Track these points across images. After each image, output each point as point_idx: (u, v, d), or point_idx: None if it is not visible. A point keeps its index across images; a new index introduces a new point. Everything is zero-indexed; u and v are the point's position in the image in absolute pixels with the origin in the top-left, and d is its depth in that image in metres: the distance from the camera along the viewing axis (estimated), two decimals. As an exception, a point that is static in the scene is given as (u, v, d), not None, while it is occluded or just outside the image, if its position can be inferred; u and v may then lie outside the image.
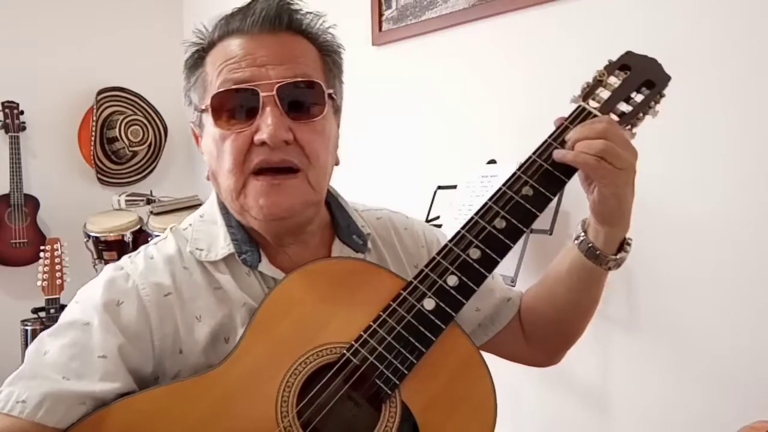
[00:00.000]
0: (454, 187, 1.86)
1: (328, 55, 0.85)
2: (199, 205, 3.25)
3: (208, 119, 0.81)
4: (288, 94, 0.78)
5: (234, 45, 0.80)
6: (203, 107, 0.82)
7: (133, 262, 0.84)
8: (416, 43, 2.15)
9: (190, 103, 0.86)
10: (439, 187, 1.95)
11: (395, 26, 2.21)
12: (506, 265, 1.61)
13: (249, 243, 0.85)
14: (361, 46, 2.35)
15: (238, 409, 0.73)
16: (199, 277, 0.83)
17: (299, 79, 0.79)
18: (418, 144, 2.19)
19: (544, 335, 0.97)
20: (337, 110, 0.87)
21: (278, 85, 0.77)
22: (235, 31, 0.81)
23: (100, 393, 0.72)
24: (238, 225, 0.86)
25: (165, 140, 3.48)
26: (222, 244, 0.85)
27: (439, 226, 1.80)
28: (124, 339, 0.76)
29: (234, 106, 0.79)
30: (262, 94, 0.77)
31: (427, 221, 1.87)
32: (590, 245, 0.85)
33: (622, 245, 0.86)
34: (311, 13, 0.83)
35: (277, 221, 0.82)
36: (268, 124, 0.76)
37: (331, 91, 0.83)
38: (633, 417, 1.56)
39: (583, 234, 0.86)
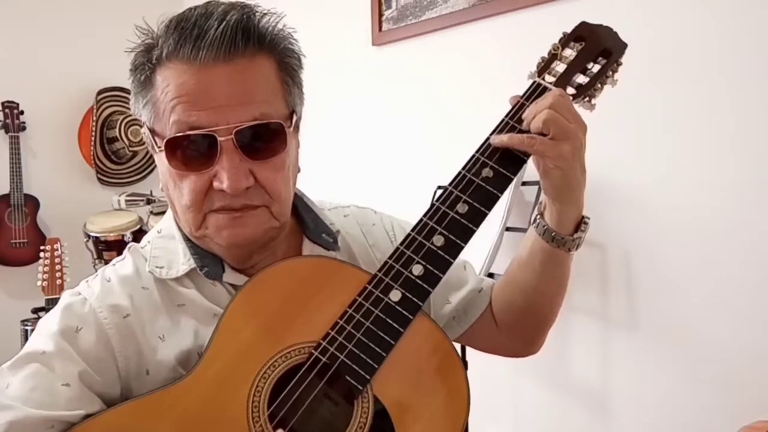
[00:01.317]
0: (454, 187, 1.86)
1: (287, 70, 0.80)
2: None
3: (161, 151, 0.77)
4: (247, 136, 0.74)
5: (185, 76, 0.74)
6: (155, 134, 0.78)
7: (89, 286, 0.82)
8: (416, 43, 2.15)
9: (139, 117, 0.82)
10: (439, 187, 1.95)
11: (395, 26, 2.21)
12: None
13: (210, 256, 0.83)
14: (361, 46, 2.35)
15: (209, 416, 0.72)
16: (160, 295, 0.81)
17: (258, 122, 0.74)
18: (417, 144, 2.19)
19: (515, 323, 0.95)
20: (297, 126, 0.83)
21: (236, 129, 0.73)
22: (185, 58, 0.74)
23: (67, 417, 0.71)
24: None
25: (165, 140, 3.48)
26: (182, 260, 0.83)
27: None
28: (86, 365, 0.75)
29: (190, 150, 0.75)
30: (220, 139, 0.73)
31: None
32: (545, 227, 0.83)
33: (579, 224, 0.84)
34: (269, 14, 0.77)
35: (238, 248, 0.80)
36: (228, 173, 0.73)
37: (291, 122, 0.79)
38: (633, 417, 1.56)
39: (539, 216, 0.85)
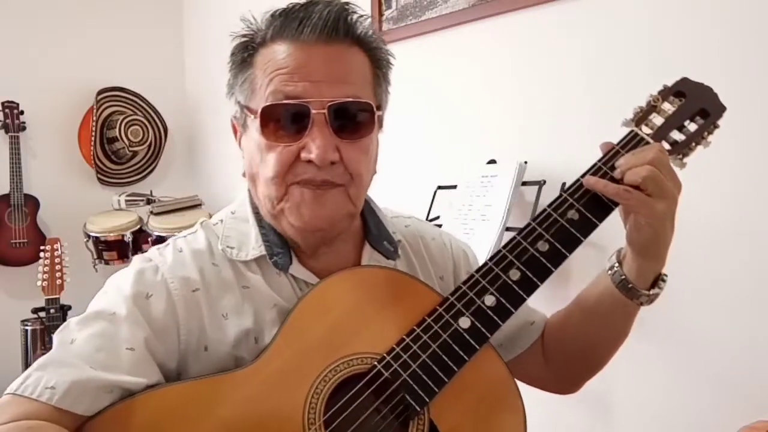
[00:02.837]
0: (454, 187, 1.86)
1: (379, 67, 0.84)
2: (200, 205, 3.26)
3: (253, 124, 0.80)
4: (339, 113, 0.77)
5: (287, 52, 0.78)
6: (250, 110, 0.80)
7: (162, 254, 0.83)
8: (416, 43, 2.15)
9: (233, 97, 0.85)
10: (439, 187, 1.95)
11: (395, 26, 2.21)
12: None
13: (280, 245, 0.84)
14: (361, 46, 2.34)
15: (264, 411, 0.72)
16: (228, 274, 0.82)
17: (351, 100, 0.77)
18: (418, 144, 2.19)
19: (565, 363, 0.95)
20: (381, 123, 0.86)
21: (330, 103, 0.76)
22: (289, 37, 0.78)
23: (128, 384, 0.72)
24: (270, 226, 0.85)
25: (165, 140, 3.48)
26: (253, 245, 0.84)
27: (439, 226, 1.80)
28: (151, 332, 0.76)
29: (283, 120, 0.77)
30: (313, 111, 0.76)
31: (427, 221, 1.87)
32: (623, 277, 0.82)
33: (657, 281, 0.83)
34: (364, 16, 0.81)
35: (313, 232, 0.81)
36: (317, 144, 0.75)
37: (380, 112, 0.83)
38: (633, 417, 1.56)
39: (617, 265, 0.84)
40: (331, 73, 0.77)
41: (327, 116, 0.76)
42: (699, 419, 1.43)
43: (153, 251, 0.85)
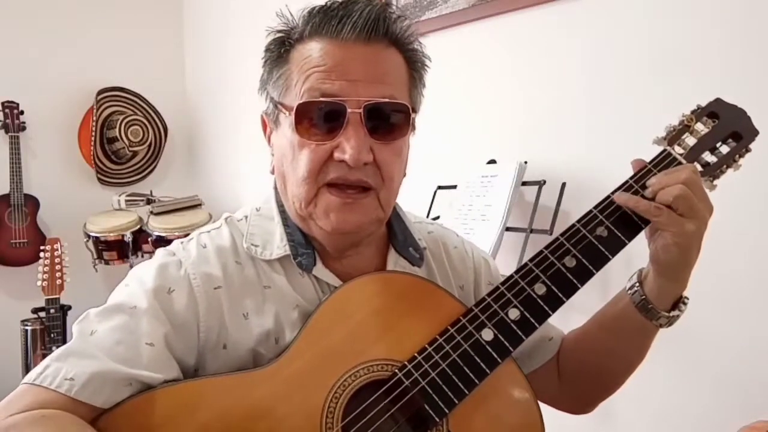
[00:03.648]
0: (454, 187, 1.86)
1: (415, 69, 0.83)
2: (200, 205, 3.25)
3: (286, 121, 0.79)
4: (374, 113, 0.76)
5: (325, 50, 0.77)
6: (284, 107, 0.79)
7: (185, 249, 0.83)
8: (416, 43, 2.15)
9: (265, 93, 0.84)
10: (439, 187, 1.95)
11: (395, 26, 2.21)
12: (505, 266, 1.62)
13: (305, 245, 0.83)
14: (361, 46, 2.34)
15: (282, 412, 0.72)
16: (251, 273, 0.81)
17: (387, 100, 0.77)
18: (418, 144, 2.18)
19: (579, 382, 0.94)
20: (414, 126, 0.85)
21: (366, 103, 0.75)
22: (328, 35, 0.77)
23: (146, 379, 0.72)
24: (295, 226, 0.85)
25: (165, 140, 3.48)
26: (278, 244, 0.83)
27: (439, 226, 1.80)
28: (171, 327, 0.75)
29: (318, 117, 0.76)
30: (348, 111, 0.75)
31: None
32: (643, 297, 0.81)
33: (678, 303, 0.82)
34: (402, 17, 0.81)
35: (341, 235, 0.81)
36: (351, 144, 0.74)
37: (414, 115, 0.82)
38: (633, 417, 1.56)
39: (637, 285, 0.83)
40: (369, 73, 0.76)
41: (362, 116, 0.75)
42: (699, 419, 1.42)
43: (176, 245, 0.84)
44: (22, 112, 3.16)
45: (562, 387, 0.95)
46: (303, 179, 0.78)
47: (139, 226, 2.93)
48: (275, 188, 0.88)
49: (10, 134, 3.11)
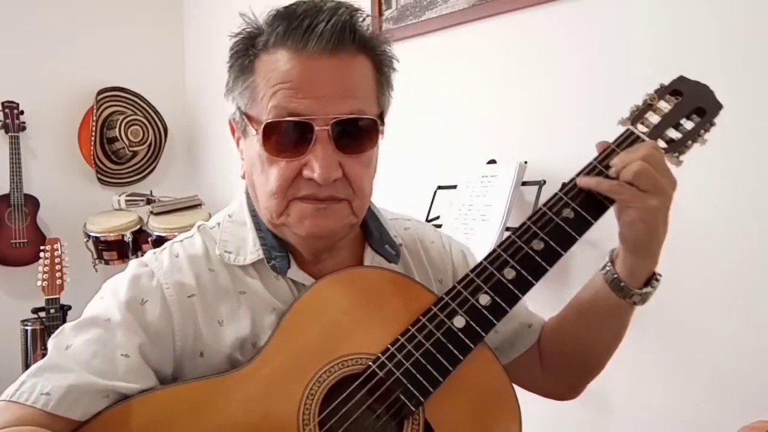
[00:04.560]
0: (454, 187, 1.86)
1: (383, 73, 0.83)
2: (200, 205, 3.25)
3: (254, 134, 0.78)
4: (342, 129, 0.76)
5: (291, 64, 0.75)
6: (250, 118, 0.79)
7: (158, 259, 0.83)
8: (416, 43, 2.15)
9: (231, 99, 0.83)
10: (439, 187, 1.95)
11: (395, 26, 2.21)
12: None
13: (279, 248, 0.83)
14: (361, 46, 2.34)
15: (259, 412, 0.72)
16: (225, 279, 0.82)
17: (355, 116, 0.76)
18: (418, 144, 2.19)
19: (562, 367, 0.95)
20: (383, 132, 0.85)
21: (333, 120, 0.75)
22: (293, 46, 0.75)
23: (123, 389, 0.72)
24: (267, 230, 0.85)
25: (165, 140, 3.48)
26: (251, 249, 0.83)
27: (439, 226, 1.80)
28: (146, 338, 0.76)
29: (286, 135, 0.76)
30: (316, 128, 0.74)
31: (427, 221, 1.87)
32: (615, 276, 0.82)
33: (650, 280, 0.83)
34: (369, 16, 0.80)
35: (315, 239, 0.81)
36: (320, 163, 0.74)
37: (383, 127, 0.82)
38: (633, 417, 1.56)
39: (609, 264, 0.84)
40: (336, 88, 0.76)
41: (330, 133, 0.75)
42: (699, 419, 1.42)
43: (149, 255, 0.84)
44: (22, 112, 3.16)
45: (545, 373, 0.96)
46: (273, 194, 0.78)
47: (139, 226, 2.93)
48: (247, 193, 0.88)
49: (10, 134, 3.11)
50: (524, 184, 1.68)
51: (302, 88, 0.75)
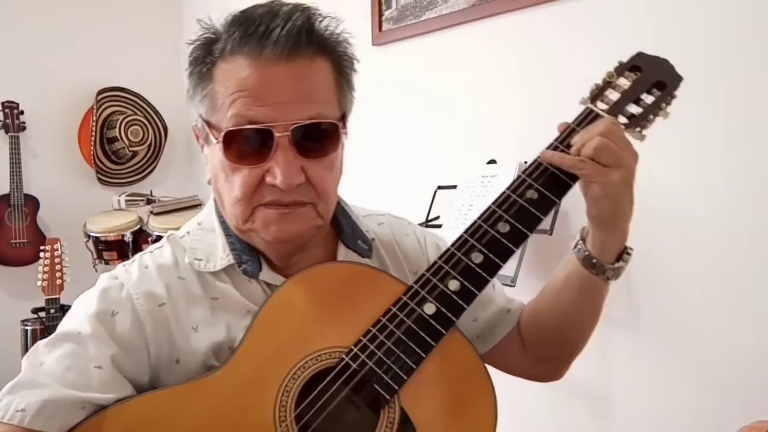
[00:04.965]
0: (454, 187, 1.86)
1: (343, 74, 0.83)
2: (200, 205, 3.26)
3: (216, 143, 0.79)
4: (302, 134, 0.76)
5: (248, 71, 0.75)
6: (211, 126, 0.79)
7: (127, 271, 0.84)
8: (416, 43, 2.15)
9: (193, 106, 0.83)
10: (439, 187, 1.95)
11: (395, 26, 2.21)
12: (507, 265, 1.62)
13: (248, 252, 0.84)
14: (361, 46, 2.33)
15: (235, 414, 0.73)
16: (196, 287, 0.82)
17: (315, 121, 0.76)
18: (418, 144, 2.19)
19: (543, 348, 0.95)
20: (345, 131, 0.85)
21: (293, 126, 0.75)
22: (250, 53, 0.75)
23: (99, 400, 0.73)
24: (236, 235, 0.85)
25: (165, 140, 3.48)
26: (221, 255, 0.84)
27: (439, 226, 1.80)
28: (119, 349, 0.76)
29: (246, 143, 0.76)
30: (276, 135, 0.75)
31: (427, 221, 1.87)
32: (587, 253, 0.83)
33: (621, 254, 0.84)
34: (328, 17, 0.79)
35: (282, 243, 0.81)
36: (281, 169, 0.75)
37: (343, 124, 0.82)
38: (633, 417, 1.56)
39: (580, 242, 0.85)
40: (295, 94, 0.75)
41: (291, 139, 0.75)
42: (699, 419, 1.42)
43: (119, 268, 0.85)
44: (22, 112, 3.16)
45: (528, 356, 0.97)
46: (237, 200, 0.78)
47: (139, 226, 2.93)
48: (215, 199, 0.88)
49: (10, 134, 3.12)
50: (524, 184, 1.68)
51: (260, 96, 0.75)
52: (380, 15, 2.26)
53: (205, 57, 0.79)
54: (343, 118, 0.83)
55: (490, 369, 0.81)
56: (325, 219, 0.83)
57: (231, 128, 0.76)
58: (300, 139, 0.76)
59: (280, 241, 0.80)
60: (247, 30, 0.75)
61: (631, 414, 1.57)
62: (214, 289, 0.82)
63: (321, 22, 0.78)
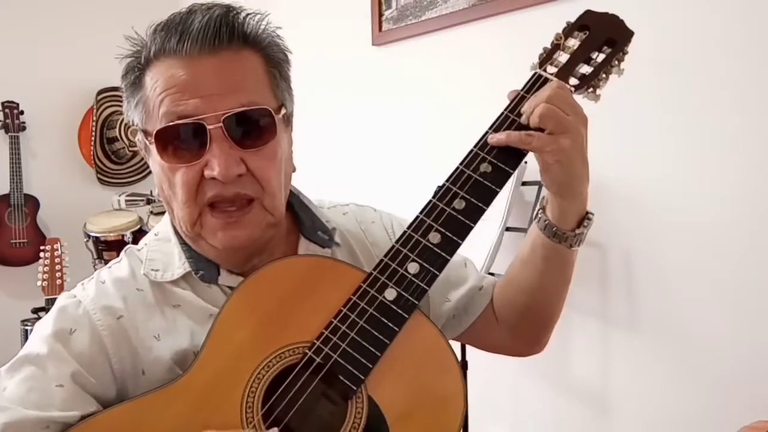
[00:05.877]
0: (454, 187, 1.86)
1: (274, 66, 0.81)
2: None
3: (153, 147, 0.78)
4: (236, 124, 0.75)
5: (173, 69, 0.75)
6: (147, 133, 0.79)
7: (85, 288, 0.83)
8: (416, 43, 2.15)
9: (132, 121, 0.83)
10: (439, 187, 1.95)
11: (395, 26, 2.21)
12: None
13: (204, 259, 0.83)
14: (361, 46, 2.35)
15: (202, 419, 0.72)
16: (154, 296, 0.82)
17: (246, 108, 0.75)
18: (418, 144, 2.19)
19: (517, 321, 0.94)
20: (288, 121, 0.84)
21: (224, 116, 0.74)
22: (172, 52, 0.75)
23: (62, 418, 0.72)
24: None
25: (165, 140, 3.48)
26: (177, 263, 0.83)
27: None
28: (78, 366, 0.76)
29: (180, 140, 0.76)
30: (209, 127, 0.74)
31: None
32: (546, 222, 0.82)
33: (583, 220, 0.82)
34: (253, 13, 0.79)
35: (235, 250, 0.81)
36: (218, 160, 0.74)
37: (280, 114, 0.80)
38: (633, 417, 1.56)
39: (540, 211, 0.84)
40: (222, 84, 0.75)
41: (224, 129, 0.74)
42: (699, 419, 1.43)
43: (78, 287, 0.84)
44: (22, 112, 3.16)
45: (505, 332, 0.96)
46: (183, 202, 0.77)
47: (139, 226, 2.93)
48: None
49: (10, 134, 3.12)
50: (524, 184, 1.68)
51: (188, 90, 0.74)
52: (380, 15, 2.26)
53: (134, 67, 0.80)
54: (281, 108, 0.81)
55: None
56: (276, 215, 0.81)
57: (162, 126, 0.75)
58: (234, 129, 0.74)
59: (231, 249, 0.80)
60: (168, 31, 0.77)
61: (631, 414, 1.57)
62: (174, 297, 0.82)
63: (240, 15, 0.78)
